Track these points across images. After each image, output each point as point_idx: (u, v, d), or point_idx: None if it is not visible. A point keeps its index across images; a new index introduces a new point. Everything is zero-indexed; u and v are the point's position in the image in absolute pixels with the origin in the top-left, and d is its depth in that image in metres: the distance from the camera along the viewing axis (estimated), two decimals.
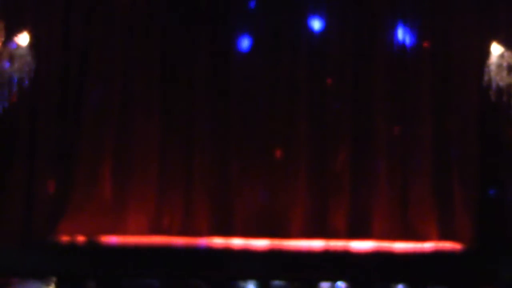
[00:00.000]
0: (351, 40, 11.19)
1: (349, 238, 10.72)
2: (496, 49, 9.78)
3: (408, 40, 11.16)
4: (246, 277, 9.59)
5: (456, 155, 10.87)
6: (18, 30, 9.30)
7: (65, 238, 10.42)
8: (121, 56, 11.14)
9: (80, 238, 10.40)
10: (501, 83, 9.73)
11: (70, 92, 10.91)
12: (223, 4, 11.16)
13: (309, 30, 11.25)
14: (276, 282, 9.57)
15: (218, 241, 10.61)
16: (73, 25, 10.90)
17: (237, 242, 10.58)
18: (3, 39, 9.14)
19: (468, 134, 10.81)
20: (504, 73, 9.66)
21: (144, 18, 11.16)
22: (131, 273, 9.68)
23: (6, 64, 9.28)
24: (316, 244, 10.52)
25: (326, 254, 10.15)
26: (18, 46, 9.24)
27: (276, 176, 11.09)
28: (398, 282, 9.53)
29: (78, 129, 10.96)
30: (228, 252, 10.18)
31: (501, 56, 9.73)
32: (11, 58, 9.26)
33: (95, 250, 10.20)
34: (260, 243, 10.48)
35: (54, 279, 9.35)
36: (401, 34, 11.17)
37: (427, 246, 10.43)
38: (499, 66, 9.69)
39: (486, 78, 9.84)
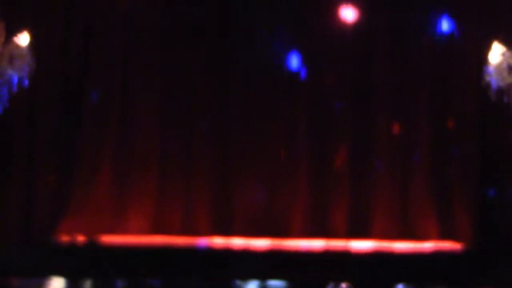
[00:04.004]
0: (351, 40, 11.19)
1: (349, 237, 10.73)
2: (496, 49, 9.76)
3: (408, 39, 11.16)
4: (246, 277, 9.59)
5: (456, 155, 10.88)
6: (18, 30, 9.29)
7: (65, 238, 10.43)
8: (121, 56, 11.14)
9: (80, 238, 10.41)
10: (501, 83, 9.72)
11: (70, 92, 10.93)
12: (223, 4, 11.17)
13: (310, 29, 11.25)
14: (276, 282, 9.57)
15: (218, 241, 10.62)
16: (73, 25, 10.92)
17: (237, 241, 10.58)
18: (3, 39, 9.13)
19: (468, 134, 10.82)
20: (504, 73, 9.65)
21: (144, 18, 11.16)
22: (131, 273, 9.67)
23: (6, 64, 9.26)
24: (316, 244, 10.53)
25: (326, 254, 10.15)
26: (18, 46, 9.22)
27: (276, 176, 11.11)
28: (398, 282, 9.53)
29: (78, 128, 10.97)
30: (228, 252, 10.18)
31: (501, 56, 9.71)
32: (11, 58, 9.25)
33: (95, 250, 10.20)
34: (260, 243, 10.48)
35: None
36: (401, 33, 11.16)
37: (427, 246, 10.44)
38: (499, 66, 9.68)
39: (486, 78, 9.82)
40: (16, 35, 9.20)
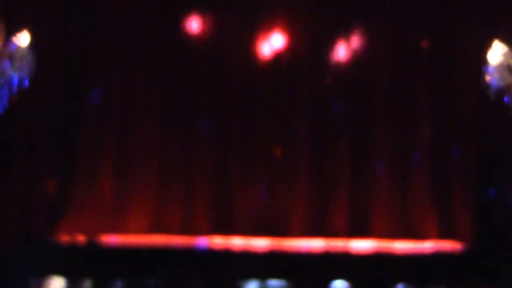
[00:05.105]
0: (351, 39, 11.19)
1: (349, 237, 10.74)
2: (496, 49, 9.76)
3: (408, 39, 11.15)
4: (246, 277, 9.59)
5: (456, 155, 10.88)
6: (18, 30, 9.29)
7: (65, 238, 10.43)
8: (121, 56, 11.15)
9: (80, 238, 10.41)
10: (501, 83, 9.71)
11: (70, 92, 10.94)
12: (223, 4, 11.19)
13: (309, 29, 11.25)
14: (276, 282, 9.57)
15: (218, 241, 10.62)
16: (73, 25, 10.92)
17: (237, 241, 10.59)
18: (3, 39, 9.12)
19: (468, 134, 10.83)
20: (505, 72, 9.64)
21: (144, 18, 11.16)
22: (131, 273, 9.67)
23: (6, 64, 9.26)
24: (316, 243, 10.53)
25: (326, 254, 10.15)
26: (18, 46, 9.22)
27: (276, 176, 11.11)
28: (398, 282, 9.52)
29: (78, 129, 10.97)
30: (228, 252, 10.18)
31: (502, 55, 9.70)
32: (11, 58, 9.24)
33: (95, 250, 10.20)
34: (260, 243, 10.49)
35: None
36: (401, 33, 11.15)
37: (427, 245, 10.44)
38: (500, 65, 9.67)
39: (486, 78, 9.82)
40: (16, 35, 9.19)
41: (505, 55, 9.66)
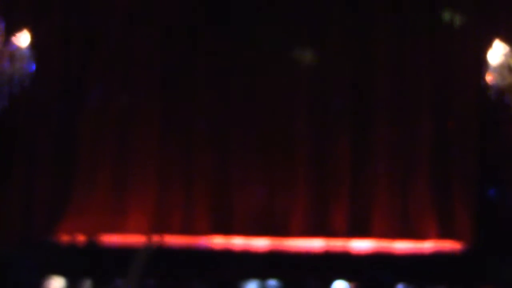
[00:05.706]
0: (352, 40, 11.19)
1: (349, 237, 10.73)
2: (496, 49, 9.74)
3: (408, 39, 11.15)
4: (246, 277, 9.58)
5: (456, 155, 10.88)
6: (18, 30, 9.28)
7: (65, 238, 10.43)
8: (121, 56, 11.15)
9: (80, 238, 10.41)
10: (502, 83, 9.69)
11: (70, 92, 10.94)
12: (223, 7, 11.17)
13: (310, 29, 11.25)
14: (276, 282, 9.57)
15: (218, 241, 10.62)
16: (73, 25, 10.92)
17: (237, 241, 10.59)
18: (3, 39, 9.11)
19: (468, 134, 10.83)
20: (505, 72, 9.62)
21: (144, 19, 11.17)
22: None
23: (6, 64, 9.24)
24: (316, 243, 10.53)
25: (326, 254, 10.15)
26: (18, 46, 9.20)
27: (276, 176, 11.10)
28: (398, 282, 9.52)
29: (78, 128, 10.98)
30: (228, 252, 10.18)
31: (502, 55, 9.68)
32: (11, 58, 9.23)
33: (95, 250, 10.20)
34: (260, 243, 10.48)
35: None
36: (401, 33, 11.16)
37: (427, 245, 10.45)
38: (500, 65, 9.65)
39: (486, 77, 9.81)
40: (16, 35, 9.17)
41: (505, 55, 9.64)
